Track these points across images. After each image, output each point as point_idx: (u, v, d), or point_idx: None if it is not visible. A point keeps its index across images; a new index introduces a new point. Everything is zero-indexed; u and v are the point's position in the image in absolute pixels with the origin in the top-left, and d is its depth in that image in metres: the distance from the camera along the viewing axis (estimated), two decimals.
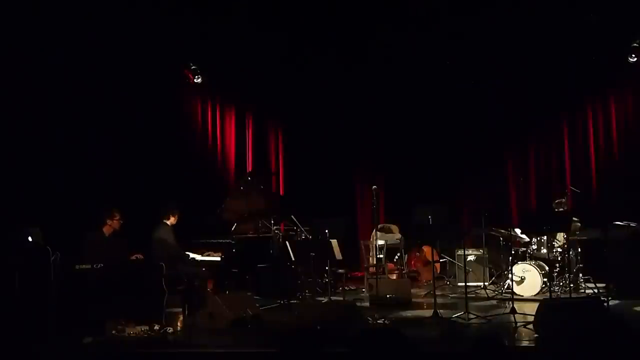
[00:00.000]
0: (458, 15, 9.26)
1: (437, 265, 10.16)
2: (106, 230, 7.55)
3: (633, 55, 9.88)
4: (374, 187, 8.23)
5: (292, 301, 8.36)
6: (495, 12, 9.16)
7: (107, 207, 7.64)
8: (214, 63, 10.41)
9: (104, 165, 8.90)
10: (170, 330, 6.43)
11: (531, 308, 6.68)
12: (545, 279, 8.26)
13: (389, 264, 10.05)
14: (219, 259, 8.14)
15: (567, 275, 8.27)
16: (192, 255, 8.08)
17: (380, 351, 3.44)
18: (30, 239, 6.68)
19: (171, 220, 8.09)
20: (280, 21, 9.40)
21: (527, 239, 8.80)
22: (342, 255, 8.28)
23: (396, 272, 9.92)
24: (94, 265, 6.73)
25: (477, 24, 9.43)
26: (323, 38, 9.80)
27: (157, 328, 6.39)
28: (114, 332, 6.22)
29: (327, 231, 8.82)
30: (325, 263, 8.63)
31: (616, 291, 7.81)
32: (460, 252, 9.68)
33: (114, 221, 7.53)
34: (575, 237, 8.57)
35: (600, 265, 8.20)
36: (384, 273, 9.45)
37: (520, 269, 8.36)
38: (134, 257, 7.35)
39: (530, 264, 8.39)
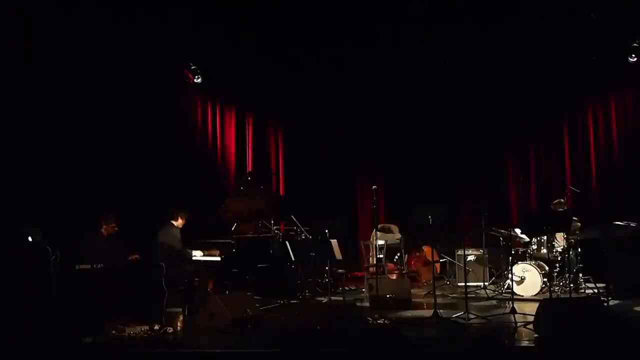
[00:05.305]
0: (458, 15, 9.25)
1: (437, 265, 10.17)
2: (104, 231, 7.57)
3: (633, 55, 9.88)
4: (374, 187, 8.23)
5: (292, 301, 8.37)
6: (495, 12, 9.15)
7: (105, 210, 7.65)
8: (214, 63, 10.41)
9: (103, 165, 8.89)
10: (170, 330, 6.42)
11: (531, 308, 6.68)
12: (545, 279, 8.26)
13: (389, 264, 10.06)
14: (219, 259, 8.16)
15: (567, 275, 8.27)
16: (193, 252, 8.12)
17: (380, 351, 3.45)
18: (30, 239, 6.68)
19: (179, 222, 8.14)
20: (280, 21, 9.39)
21: (527, 239, 8.80)
22: (342, 255, 8.30)
23: (396, 272, 9.93)
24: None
25: (478, 24, 9.42)
26: (323, 38, 9.79)
27: (157, 328, 6.39)
28: (114, 332, 6.21)
29: (327, 231, 8.84)
30: (325, 263, 8.63)
31: (616, 291, 7.81)
32: (460, 252, 9.69)
33: (109, 227, 7.56)
34: (576, 237, 8.57)
35: (600, 265, 8.20)
36: (384, 273, 9.45)
37: (520, 269, 8.36)
38: (131, 258, 7.36)
39: (530, 264, 8.40)
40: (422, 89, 11.03)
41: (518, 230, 8.89)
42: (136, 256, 7.38)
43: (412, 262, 10.70)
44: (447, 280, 10.20)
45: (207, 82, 10.64)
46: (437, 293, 7.42)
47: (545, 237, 8.62)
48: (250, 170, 11.21)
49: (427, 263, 10.20)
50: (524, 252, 8.81)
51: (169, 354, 5.87)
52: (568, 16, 9.16)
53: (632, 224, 8.24)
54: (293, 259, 8.19)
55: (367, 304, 8.10)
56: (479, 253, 9.85)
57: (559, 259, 8.60)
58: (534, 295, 8.19)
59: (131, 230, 7.85)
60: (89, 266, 6.72)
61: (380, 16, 9.33)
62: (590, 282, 8.64)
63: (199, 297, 7.58)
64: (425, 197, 9.83)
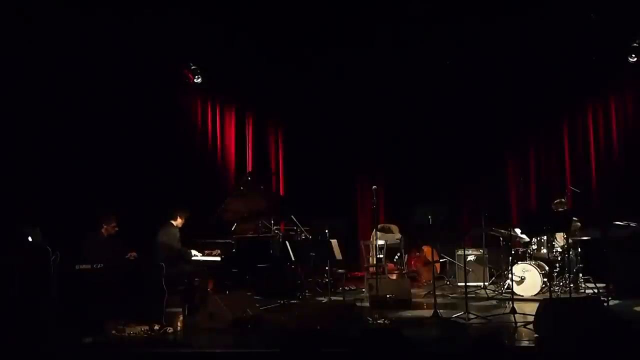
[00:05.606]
0: (458, 15, 9.25)
1: (437, 265, 10.17)
2: (105, 231, 7.58)
3: (633, 55, 9.88)
4: (374, 187, 8.23)
5: (292, 301, 8.37)
6: (495, 12, 9.15)
7: (106, 211, 7.66)
8: (214, 63, 10.41)
9: (104, 165, 8.90)
10: (170, 330, 6.42)
11: (531, 308, 6.68)
12: (545, 279, 8.26)
13: (389, 264, 10.05)
14: (219, 259, 8.16)
15: (567, 275, 8.27)
16: (193, 252, 8.13)
17: (380, 351, 3.45)
18: (30, 239, 6.68)
19: (178, 222, 8.16)
20: (280, 21, 9.39)
21: (527, 239, 8.80)
22: (342, 255, 8.30)
23: (396, 272, 9.92)
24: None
25: (478, 24, 9.42)
26: (323, 38, 9.80)
27: (157, 328, 6.38)
28: (114, 332, 6.20)
29: (327, 231, 8.84)
30: (325, 263, 8.63)
31: (616, 291, 7.81)
32: (460, 252, 9.68)
33: (109, 227, 7.57)
34: (576, 237, 8.57)
35: (600, 265, 8.20)
36: (384, 273, 9.45)
37: (520, 269, 8.36)
38: (128, 256, 7.37)
39: (530, 264, 8.40)
40: (422, 89, 11.03)
41: (518, 230, 8.89)
42: (133, 254, 7.39)
43: (412, 262, 10.69)
44: (447, 280, 10.20)
45: (207, 82, 10.64)
46: (437, 293, 7.41)
47: (545, 237, 8.62)
48: (250, 170, 11.21)
49: (427, 263, 10.19)
50: (524, 252, 8.81)
51: (169, 354, 5.86)
52: (568, 16, 9.16)
53: (632, 224, 8.24)
54: (293, 259, 8.20)
55: (367, 304, 8.10)
56: (479, 253, 9.84)
57: (559, 259, 8.60)
58: (534, 295, 8.19)
59: (131, 230, 7.85)
60: (89, 266, 6.72)
61: (380, 16, 9.33)
62: (590, 282, 8.64)
63: (199, 297, 7.58)
64: (425, 197, 9.83)
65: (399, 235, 10.13)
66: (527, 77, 10.65)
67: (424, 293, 9.16)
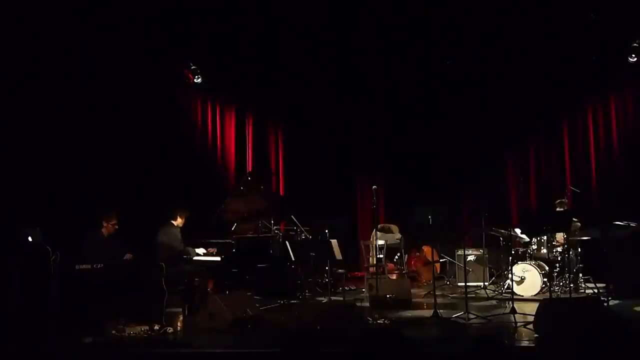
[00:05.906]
0: (458, 15, 9.26)
1: (437, 265, 10.17)
2: (105, 231, 7.58)
3: (633, 55, 9.89)
4: (374, 187, 8.23)
5: (292, 301, 8.37)
6: (495, 12, 9.15)
7: (107, 209, 7.67)
8: (214, 63, 10.41)
9: (104, 165, 8.89)
10: (170, 330, 6.43)
11: (531, 308, 6.68)
12: (545, 279, 8.26)
13: (389, 264, 10.05)
14: (219, 259, 8.16)
15: (567, 275, 8.27)
16: (196, 250, 8.14)
17: (380, 351, 3.45)
18: (30, 239, 6.68)
19: (178, 221, 8.17)
20: (280, 21, 9.40)
21: (527, 239, 8.80)
22: (342, 255, 8.30)
23: (396, 272, 9.93)
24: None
25: (478, 24, 9.42)
26: (323, 38, 9.80)
27: (157, 328, 6.39)
28: (114, 332, 6.21)
29: (327, 231, 8.84)
30: (325, 263, 8.63)
31: (616, 291, 7.81)
32: (460, 252, 9.69)
33: (109, 225, 7.57)
34: (576, 237, 8.57)
35: (600, 265, 8.21)
36: (384, 273, 9.45)
37: (520, 269, 8.36)
38: (125, 258, 7.37)
39: (530, 264, 8.40)
40: (422, 89, 11.03)
41: (518, 230, 8.89)
42: (130, 255, 7.39)
43: (412, 262, 10.70)
44: (447, 280, 10.20)
45: (207, 82, 10.64)
46: (437, 293, 7.41)
47: (545, 237, 8.62)
48: (250, 170, 11.21)
49: (427, 263, 10.20)
50: (524, 252, 8.81)
51: (169, 354, 5.86)
52: (568, 16, 9.16)
53: (632, 224, 8.24)
54: (293, 259, 8.20)
55: (367, 304, 8.10)
56: (479, 253, 9.85)
57: (559, 259, 8.60)
58: (534, 295, 8.19)
59: (131, 230, 7.85)
60: (89, 266, 6.72)
61: (380, 16, 9.33)
62: (590, 282, 8.64)
63: (199, 297, 7.58)
64: (425, 197, 9.83)
65: (399, 235, 10.13)
66: (527, 77, 10.65)
67: (424, 293, 9.17)
